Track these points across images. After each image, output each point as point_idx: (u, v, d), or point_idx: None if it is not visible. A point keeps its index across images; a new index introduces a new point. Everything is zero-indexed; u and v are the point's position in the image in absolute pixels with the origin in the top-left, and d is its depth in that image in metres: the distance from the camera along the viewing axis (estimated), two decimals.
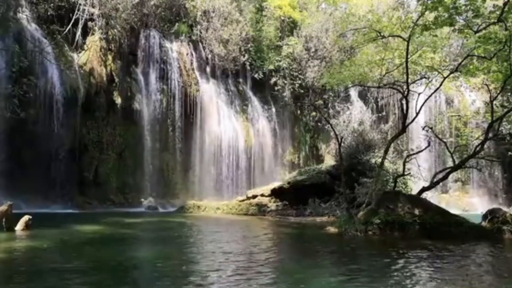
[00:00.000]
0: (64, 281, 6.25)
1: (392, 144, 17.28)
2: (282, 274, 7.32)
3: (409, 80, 14.61)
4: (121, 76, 22.38)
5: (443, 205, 17.30)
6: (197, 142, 24.39)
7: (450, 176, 16.31)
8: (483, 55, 13.82)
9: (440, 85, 15.79)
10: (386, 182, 16.93)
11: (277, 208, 19.06)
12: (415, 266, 8.13)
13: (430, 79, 16.78)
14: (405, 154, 18.70)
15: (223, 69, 26.18)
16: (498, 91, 15.73)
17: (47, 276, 6.65)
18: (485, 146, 15.50)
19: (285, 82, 27.68)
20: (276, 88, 27.66)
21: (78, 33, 20.83)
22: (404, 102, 15.78)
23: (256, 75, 27.25)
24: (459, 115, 27.60)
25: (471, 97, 27.25)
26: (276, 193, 19.98)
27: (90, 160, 20.69)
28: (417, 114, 15.32)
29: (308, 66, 27.77)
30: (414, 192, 16.55)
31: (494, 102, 15.11)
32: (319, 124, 28.38)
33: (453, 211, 15.05)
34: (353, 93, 29.81)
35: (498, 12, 11.63)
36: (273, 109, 27.97)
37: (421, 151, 16.74)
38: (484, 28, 12.52)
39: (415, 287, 6.62)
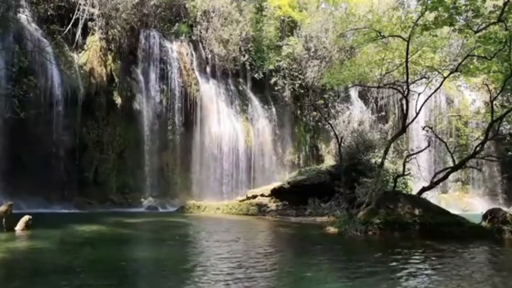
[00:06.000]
0: (64, 281, 6.24)
1: (392, 144, 17.30)
2: (282, 274, 7.32)
3: (409, 80, 14.62)
4: (121, 76, 22.36)
5: (443, 205, 17.30)
6: (197, 142, 24.37)
7: (450, 176, 16.33)
8: (483, 55, 13.82)
9: (440, 85, 15.82)
10: (386, 182, 16.94)
11: (277, 208, 19.06)
12: (415, 266, 8.13)
13: (430, 79, 16.79)
14: (405, 154, 18.72)
15: (223, 69, 26.16)
16: (498, 91, 15.74)
17: (47, 276, 6.64)
18: (485, 146, 15.49)
19: (285, 82, 27.67)
20: (276, 88, 27.63)
21: (78, 33, 20.81)
22: (404, 102, 15.82)
23: (256, 75, 27.23)
24: (459, 115, 27.61)
25: (471, 97, 27.25)
26: (276, 193, 19.97)
27: (90, 160, 20.67)
28: (417, 114, 15.34)
29: (308, 66, 27.75)
30: (414, 192, 16.57)
31: (494, 102, 15.13)
32: (319, 124, 28.37)
33: (453, 211, 15.05)
34: (353, 93, 29.81)
35: (498, 12, 11.63)
36: (273, 109, 27.95)
37: (421, 151, 16.75)
38: (484, 28, 12.52)
39: (415, 287, 6.62)
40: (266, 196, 20.14)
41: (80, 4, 20.61)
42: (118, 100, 21.79)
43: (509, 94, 21.49)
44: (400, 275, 7.33)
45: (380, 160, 16.05)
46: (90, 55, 21.00)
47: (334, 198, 18.24)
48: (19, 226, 10.91)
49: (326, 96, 28.42)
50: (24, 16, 19.01)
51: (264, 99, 28.00)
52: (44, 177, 17.97)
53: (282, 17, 28.93)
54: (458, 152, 18.18)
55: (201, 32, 25.71)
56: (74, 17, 20.48)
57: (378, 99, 29.80)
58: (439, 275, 7.34)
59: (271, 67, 27.50)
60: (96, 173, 20.84)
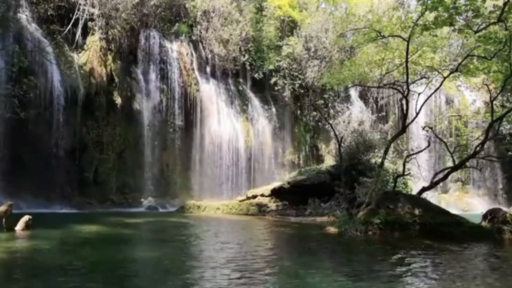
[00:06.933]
0: (64, 281, 6.24)
1: (392, 144, 17.28)
2: (282, 275, 7.32)
3: (409, 80, 14.61)
4: (121, 76, 22.36)
5: (443, 205, 17.31)
6: (197, 142, 24.38)
7: (450, 176, 16.31)
8: (483, 55, 13.81)
9: (440, 85, 15.80)
10: (386, 182, 16.92)
11: (277, 208, 19.06)
12: (415, 266, 8.13)
13: (430, 79, 16.78)
14: (405, 154, 18.70)
15: (223, 69, 26.16)
16: (498, 91, 15.72)
17: (47, 276, 6.64)
18: (485, 146, 15.48)
19: (285, 82, 27.67)
20: (276, 88, 27.64)
21: (78, 33, 20.82)
22: (404, 102, 15.80)
23: (256, 75, 27.24)
24: (459, 115, 27.60)
25: (471, 97, 27.25)
26: (276, 193, 19.97)
27: (90, 160, 20.67)
28: (417, 114, 15.33)
29: (308, 66, 27.76)
30: (414, 192, 16.56)
31: (494, 102, 15.12)
32: (319, 124, 28.37)
33: (453, 211, 15.06)
34: (353, 93, 29.81)
35: (498, 12, 11.63)
36: (273, 109, 27.96)
37: (421, 151, 16.76)
38: (484, 28, 12.52)
39: (416, 287, 6.62)
40: (266, 196, 20.13)
41: (80, 4, 20.62)
42: (118, 100, 21.79)
43: (509, 94, 21.47)
44: (400, 275, 7.33)
45: (380, 160, 16.04)
46: (90, 55, 21.00)
47: (334, 198, 18.24)
48: (19, 226, 10.91)
49: (326, 96, 28.42)
50: (24, 16, 19.02)
51: (264, 99, 28.00)
52: (44, 177, 17.98)
53: (282, 17, 28.93)
54: (458, 152, 18.16)
55: (201, 32, 25.71)
56: (74, 17, 20.49)
57: (378, 99, 29.81)
58: (439, 275, 7.34)
59: (271, 67, 27.50)
60: (96, 173, 20.84)
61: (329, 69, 25.20)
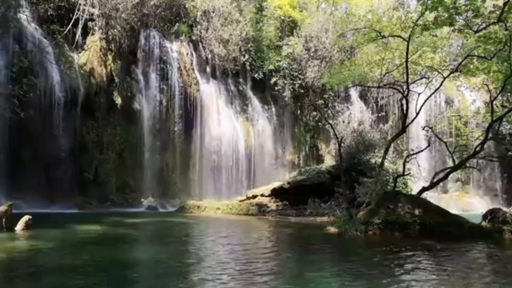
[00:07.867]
0: (64, 281, 6.25)
1: (392, 144, 17.29)
2: (283, 275, 7.32)
3: (409, 80, 14.62)
4: (121, 76, 22.35)
5: (443, 205, 17.24)
6: (197, 142, 24.37)
7: (450, 176, 16.32)
8: (483, 55, 13.83)
9: (440, 85, 15.81)
10: (386, 182, 16.91)
11: (277, 208, 19.06)
12: (415, 266, 8.13)
13: (430, 79, 16.79)
14: (405, 154, 18.71)
15: (223, 69, 26.15)
16: (498, 91, 15.73)
17: (47, 276, 6.64)
18: (485, 146, 15.48)
19: (285, 82, 27.66)
20: (276, 88, 27.63)
21: (78, 33, 20.81)
22: (404, 102, 15.82)
23: (256, 75, 27.23)
24: (459, 115, 27.60)
25: (471, 97, 27.25)
26: (276, 193, 19.97)
27: (90, 160, 20.66)
28: (417, 114, 15.34)
29: (308, 66, 27.75)
30: (414, 192, 16.56)
31: (494, 102, 15.13)
32: (319, 124, 28.37)
33: (453, 211, 15.05)
34: (353, 93, 29.79)
35: (498, 12, 11.64)
36: (273, 109, 27.95)
37: (421, 151, 16.74)
38: (484, 28, 12.53)
39: (415, 287, 6.62)
40: (266, 196, 20.13)
41: (80, 4, 20.61)
42: (118, 100, 21.79)
43: (509, 94, 21.49)
44: (401, 275, 7.33)
45: (380, 160, 16.05)
46: (90, 55, 21.00)
47: (334, 198, 18.23)
48: (19, 226, 10.91)
49: (326, 96, 28.42)
50: (24, 16, 19.00)
51: (264, 99, 28.00)
52: (44, 177, 17.99)
53: (282, 17, 28.92)
54: (458, 152, 18.17)
55: (201, 32, 25.70)
56: (74, 17, 20.48)
57: (378, 99, 29.78)
58: (439, 275, 7.34)
59: (271, 67, 27.49)
60: (96, 173, 20.83)
61: (329, 69, 25.21)
